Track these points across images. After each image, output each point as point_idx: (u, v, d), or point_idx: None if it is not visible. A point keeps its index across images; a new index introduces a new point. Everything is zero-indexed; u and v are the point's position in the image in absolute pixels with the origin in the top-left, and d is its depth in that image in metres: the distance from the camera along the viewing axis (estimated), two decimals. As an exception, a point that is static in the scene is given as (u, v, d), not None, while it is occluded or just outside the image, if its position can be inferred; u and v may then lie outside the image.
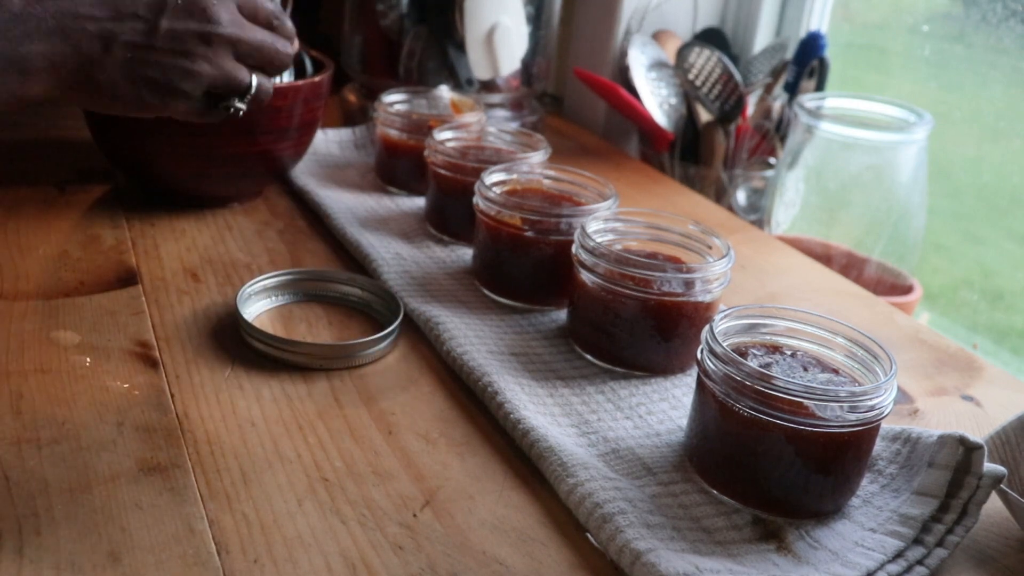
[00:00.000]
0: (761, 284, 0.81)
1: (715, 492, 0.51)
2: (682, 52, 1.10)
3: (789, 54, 1.08)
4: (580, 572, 0.47)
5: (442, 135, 0.83)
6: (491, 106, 1.07)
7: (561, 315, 0.71)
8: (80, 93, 0.54)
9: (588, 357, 0.65)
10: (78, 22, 0.51)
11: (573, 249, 0.64)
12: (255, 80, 0.60)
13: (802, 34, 1.12)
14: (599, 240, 0.64)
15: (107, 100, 0.55)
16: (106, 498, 0.48)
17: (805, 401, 0.47)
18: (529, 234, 0.69)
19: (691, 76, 1.09)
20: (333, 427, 0.56)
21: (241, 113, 0.61)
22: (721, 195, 1.09)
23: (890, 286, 0.94)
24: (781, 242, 0.91)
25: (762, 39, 1.20)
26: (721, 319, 0.53)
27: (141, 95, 0.56)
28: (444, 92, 0.96)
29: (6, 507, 0.47)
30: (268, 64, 0.62)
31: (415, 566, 0.46)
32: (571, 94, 1.27)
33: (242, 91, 0.60)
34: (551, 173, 0.77)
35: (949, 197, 1.13)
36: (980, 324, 1.06)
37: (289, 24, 0.65)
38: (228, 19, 0.57)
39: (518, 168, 0.77)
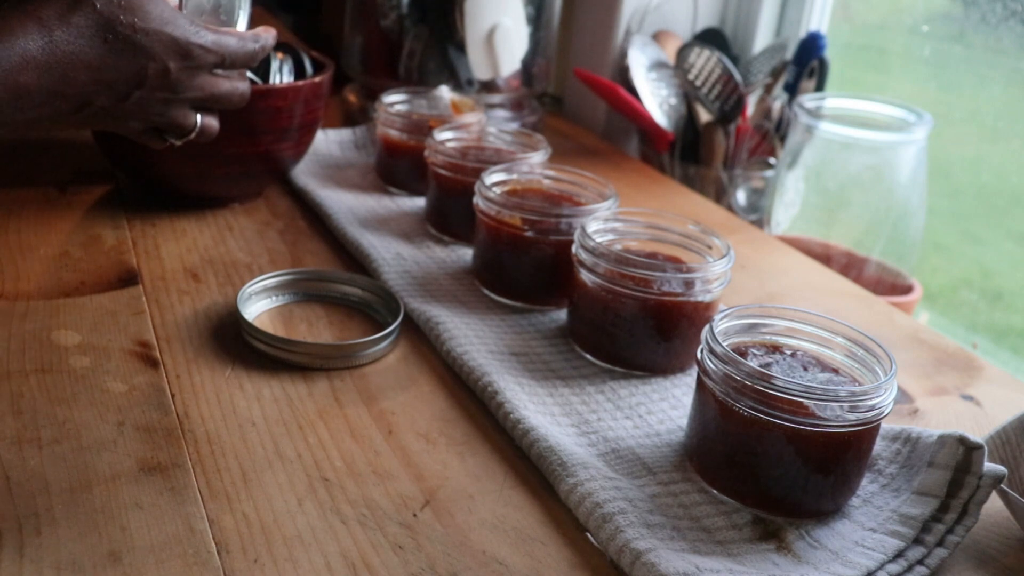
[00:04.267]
0: (761, 284, 0.81)
1: (715, 492, 0.52)
2: (682, 52, 1.10)
3: (789, 54, 1.08)
4: (580, 572, 0.47)
5: (442, 135, 0.83)
6: (491, 106, 1.07)
7: (561, 315, 0.71)
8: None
9: (588, 357, 0.65)
10: (65, 98, 0.54)
11: (573, 249, 0.64)
12: (199, 122, 0.63)
13: (802, 34, 1.13)
14: (599, 240, 0.64)
15: (61, 122, 0.59)
16: (106, 498, 0.48)
17: (805, 401, 0.48)
18: (529, 234, 0.69)
19: (691, 76, 1.09)
20: (333, 427, 0.56)
21: (175, 145, 0.65)
22: (721, 195, 1.09)
23: (890, 286, 0.94)
24: (781, 242, 0.91)
25: (762, 39, 1.20)
26: (721, 319, 0.53)
27: (90, 124, 0.61)
28: (444, 92, 0.96)
29: (7, 507, 0.47)
30: (226, 107, 0.64)
31: (415, 566, 0.46)
32: (571, 94, 1.27)
33: (185, 134, 0.63)
34: (551, 173, 0.77)
35: (949, 197, 1.13)
36: (979, 324, 1.06)
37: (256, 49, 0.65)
38: (197, 84, 0.60)
39: (518, 168, 0.77)
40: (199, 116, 0.63)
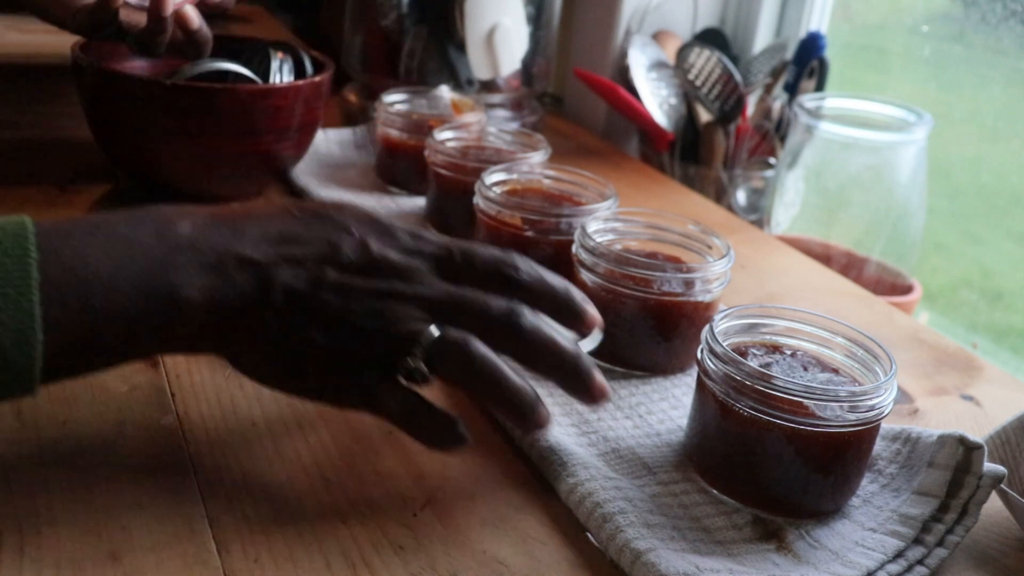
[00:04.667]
0: (761, 284, 0.81)
1: (715, 492, 0.52)
2: (682, 52, 1.10)
3: (789, 54, 1.08)
4: (580, 572, 0.47)
5: (442, 135, 0.83)
6: (491, 106, 1.07)
7: (561, 315, 0.71)
8: (227, 342, 0.47)
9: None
10: (239, 262, 0.44)
11: (573, 249, 0.64)
12: (437, 332, 0.46)
13: (802, 34, 1.13)
14: (599, 240, 0.64)
15: (259, 355, 0.47)
16: (106, 497, 0.48)
17: (805, 401, 0.48)
18: (529, 234, 0.69)
19: (691, 76, 1.09)
20: (333, 427, 0.56)
21: (421, 381, 0.46)
22: (721, 195, 1.09)
23: (890, 286, 0.94)
24: (781, 242, 0.91)
25: (762, 39, 1.20)
26: (721, 319, 0.53)
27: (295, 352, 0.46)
28: (444, 92, 0.96)
29: (7, 506, 0.47)
30: (476, 328, 0.47)
31: (415, 566, 0.46)
32: (571, 94, 1.27)
33: (409, 343, 0.46)
34: (551, 173, 0.77)
35: (949, 197, 1.13)
36: (979, 324, 1.06)
37: (549, 283, 0.49)
38: (427, 280, 0.47)
39: (518, 168, 0.77)
40: (432, 328, 0.46)
